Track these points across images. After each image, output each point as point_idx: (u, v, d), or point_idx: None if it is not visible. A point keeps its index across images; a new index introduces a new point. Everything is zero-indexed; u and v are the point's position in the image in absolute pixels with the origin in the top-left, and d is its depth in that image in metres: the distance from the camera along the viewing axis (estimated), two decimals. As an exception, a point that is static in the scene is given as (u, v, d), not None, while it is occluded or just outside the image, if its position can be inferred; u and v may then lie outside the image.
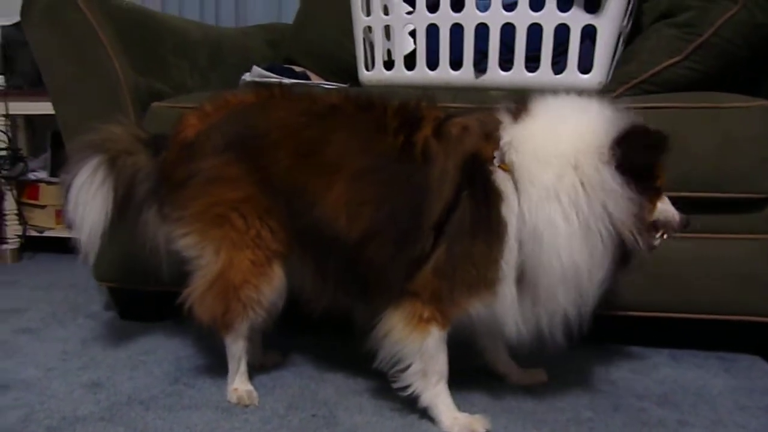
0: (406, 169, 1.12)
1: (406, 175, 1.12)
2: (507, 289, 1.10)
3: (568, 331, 1.12)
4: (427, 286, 1.11)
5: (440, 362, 1.15)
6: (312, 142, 1.17)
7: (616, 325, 1.46)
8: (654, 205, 1.11)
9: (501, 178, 1.08)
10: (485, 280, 1.10)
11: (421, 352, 1.13)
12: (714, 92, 1.40)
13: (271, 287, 1.21)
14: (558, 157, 1.06)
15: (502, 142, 1.10)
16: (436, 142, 1.12)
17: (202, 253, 1.22)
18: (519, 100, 1.14)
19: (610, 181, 1.04)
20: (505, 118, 1.12)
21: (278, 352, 1.45)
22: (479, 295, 1.11)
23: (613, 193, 1.04)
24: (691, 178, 1.33)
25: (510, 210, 1.07)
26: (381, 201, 1.13)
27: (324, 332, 1.54)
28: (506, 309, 1.11)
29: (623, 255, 1.07)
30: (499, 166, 1.09)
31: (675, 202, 1.15)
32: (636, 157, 1.05)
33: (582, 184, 1.05)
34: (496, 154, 1.10)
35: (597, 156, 1.05)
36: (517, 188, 1.07)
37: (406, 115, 1.16)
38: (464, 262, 1.09)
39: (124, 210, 1.27)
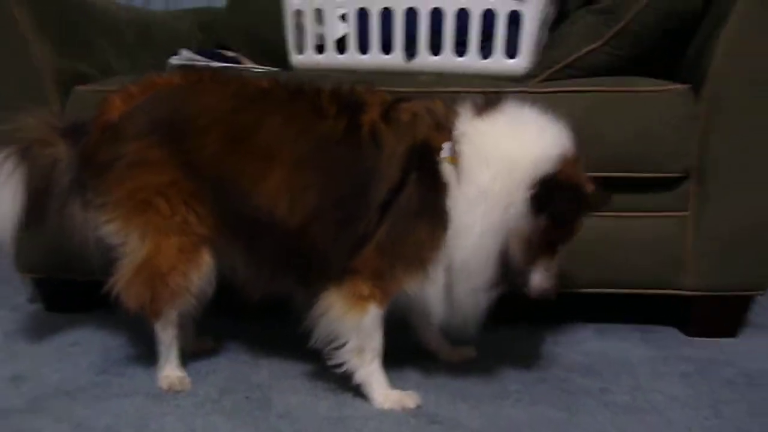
0: (351, 152, 1.14)
1: (351, 158, 1.14)
2: (439, 274, 1.15)
3: (471, 320, 1.19)
4: (368, 264, 1.14)
5: (376, 340, 1.18)
6: (243, 128, 1.17)
7: (544, 304, 1.51)
8: (546, 252, 1.15)
9: (447, 170, 1.12)
10: (422, 260, 1.14)
11: (358, 330, 1.16)
12: (632, 77, 1.46)
13: (199, 273, 1.20)
14: (500, 159, 1.11)
15: (455, 133, 1.13)
16: (385, 127, 1.15)
17: (127, 240, 1.20)
18: (492, 97, 1.19)
19: (522, 205, 1.10)
20: (466, 111, 1.16)
21: (211, 337, 1.45)
22: (416, 273, 1.15)
23: (519, 215, 1.10)
24: (609, 159, 1.38)
25: (452, 203, 1.12)
26: (325, 185, 1.14)
27: (259, 317, 1.54)
28: (436, 292, 1.17)
29: (505, 270, 1.13)
30: (446, 158, 1.12)
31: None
32: (551, 205, 1.10)
33: (506, 192, 1.10)
34: (445, 145, 1.13)
35: (529, 174, 1.10)
36: (459, 182, 1.12)
37: (343, 100, 1.18)
38: (406, 241, 1.13)
39: (41, 203, 1.23)
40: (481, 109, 1.17)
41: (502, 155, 1.11)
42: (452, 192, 1.12)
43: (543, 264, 1.16)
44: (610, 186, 1.35)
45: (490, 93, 1.31)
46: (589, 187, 1.16)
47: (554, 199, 1.09)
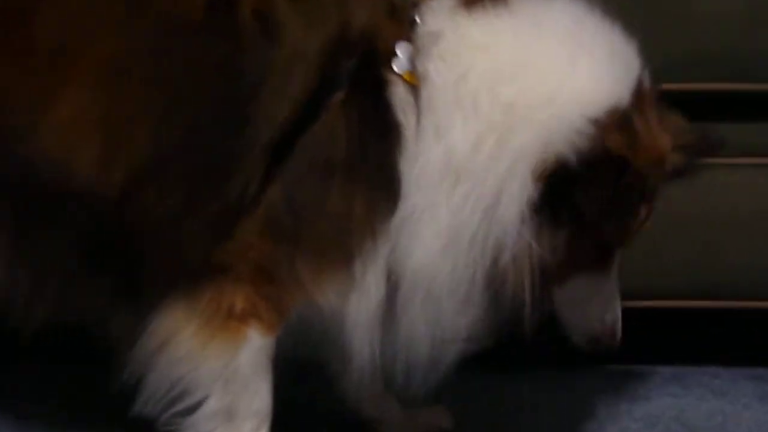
0: (218, 49, 1.14)
1: (219, 61, 1.13)
2: (375, 281, 1.14)
3: (431, 369, 1.19)
4: (248, 254, 1.13)
5: (260, 394, 1.18)
6: (8, 14, 1.16)
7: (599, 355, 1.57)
8: (589, 264, 1.18)
9: (402, 100, 1.13)
10: (348, 248, 1.13)
11: (226, 375, 1.15)
12: None
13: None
14: (493, 105, 1.11)
15: (421, 30, 1.13)
16: (286, 3, 1.14)
17: None
18: None
19: (524, 200, 1.09)
20: None
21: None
22: (335, 272, 1.14)
23: (517, 219, 1.10)
24: (706, 59, 1.42)
25: (407, 162, 1.13)
26: (168, 110, 1.14)
27: (40, 359, 1.53)
28: (368, 312, 1.16)
29: (503, 304, 1.14)
30: (402, 75, 1.12)
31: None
32: (582, 206, 1.10)
33: (497, 170, 1.10)
34: (401, 47, 1.12)
35: (545, 143, 1.08)
36: (419, 128, 1.12)
37: None
38: (319, 212, 1.12)
39: None
40: None
41: (500, 98, 1.10)
42: (407, 141, 1.11)
43: (583, 285, 1.17)
44: (709, 111, 1.38)
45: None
46: (668, 147, 1.14)
47: (587, 196, 1.09)
